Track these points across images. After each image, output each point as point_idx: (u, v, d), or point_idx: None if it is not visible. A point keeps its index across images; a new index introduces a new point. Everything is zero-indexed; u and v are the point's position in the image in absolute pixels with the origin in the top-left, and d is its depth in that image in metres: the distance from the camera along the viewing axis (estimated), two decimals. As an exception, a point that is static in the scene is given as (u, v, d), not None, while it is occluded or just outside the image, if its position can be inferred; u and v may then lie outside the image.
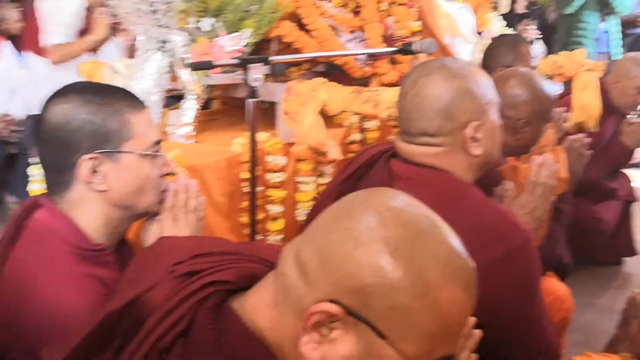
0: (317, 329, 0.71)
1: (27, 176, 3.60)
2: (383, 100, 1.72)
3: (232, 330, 0.77)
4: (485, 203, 1.30)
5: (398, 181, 1.35)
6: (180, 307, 0.80)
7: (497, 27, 3.17)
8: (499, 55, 2.59)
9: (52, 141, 1.11)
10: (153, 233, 1.23)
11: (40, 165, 1.94)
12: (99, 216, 1.15)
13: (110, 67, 2.09)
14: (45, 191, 1.19)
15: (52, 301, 1.03)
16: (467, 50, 2.90)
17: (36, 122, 1.15)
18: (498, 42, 2.73)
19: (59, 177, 1.13)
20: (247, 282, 0.84)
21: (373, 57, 2.19)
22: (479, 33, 3.02)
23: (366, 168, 1.46)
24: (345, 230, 0.71)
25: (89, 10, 3.20)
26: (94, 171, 1.12)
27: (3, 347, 1.04)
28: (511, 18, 5.47)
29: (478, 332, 0.95)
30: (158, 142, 1.20)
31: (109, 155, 1.12)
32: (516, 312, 1.23)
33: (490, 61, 2.61)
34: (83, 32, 3.17)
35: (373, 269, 0.68)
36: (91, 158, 1.11)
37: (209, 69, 1.68)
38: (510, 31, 3.34)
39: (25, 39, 3.56)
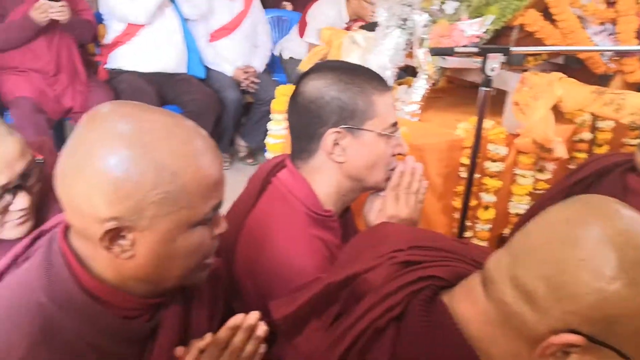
0: (553, 353, 0.73)
1: (259, 124, 3.97)
2: (628, 104, 1.61)
3: (442, 325, 0.82)
4: None
5: (633, 196, 1.27)
6: (398, 293, 0.87)
7: None
8: None
9: (304, 112, 1.24)
10: (375, 207, 1.32)
11: (275, 122, 2.15)
12: (332, 184, 1.27)
13: (350, 37, 2.20)
14: (281, 151, 1.34)
15: (286, 254, 1.17)
16: None
17: (292, 95, 1.29)
18: None
19: (306, 144, 1.25)
20: (458, 281, 0.88)
21: (621, 53, 2.03)
22: None
23: (597, 177, 1.40)
24: (579, 261, 0.70)
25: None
26: (336, 143, 1.23)
27: (245, 292, 1.21)
28: None
29: None
30: (395, 124, 1.27)
31: (351, 131, 1.22)
32: None
33: None
34: None
35: (618, 300, 0.68)
36: (336, 132, 1.21)
37: (449, 55, 1.70)
38: None
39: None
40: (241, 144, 3.99)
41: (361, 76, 1.24)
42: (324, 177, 1.26)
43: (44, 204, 1.28)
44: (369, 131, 1.23)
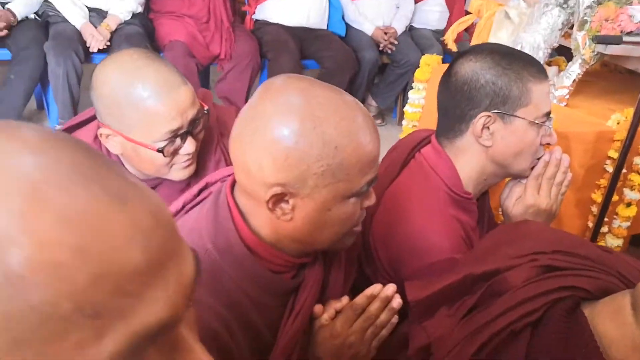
0: None
1: (392, 86, 3.96)
2: None
3: (581, 341, 0.82)
4: None
5: None
6: (537, 299, 0.87)
7: None
8: None
9: (457, 92, 1.24)
10: (514, 194, 1.32)
11: (416, 90, 2.15)
12: (475, 167, 1.27)
13: (504, 11, 2.14)
14: (429, 129, 1.35)
15: (423, 229, 1.20)
16: None
17: (445, 73, 1.29)
18: None
19: (454, 124, 1.26)
20: (602, 295, 0.87)
21: None
22: None
23: None
24: None
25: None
26: (485, 127, 1.22)
27: (378, 260, 1.26)
28: None
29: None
30: (548, 114, 1.24)
31: (502, 116, 1.21)
32: None
33: None
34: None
35: None
36: (487, 115, 1.21)
37: (616, 43, 1.61)
38: None
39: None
40: (372, 104, 4.02)
41: (519, 62, 1.22)
42: (469, 158, 1.27)
43: (203, 151, 1.40)
44: (521, 118, 1.21)
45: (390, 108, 4.14)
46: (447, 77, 1.28)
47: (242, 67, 3.33)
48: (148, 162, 1.28)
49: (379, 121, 4.03)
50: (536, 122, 1.22)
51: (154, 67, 1.21)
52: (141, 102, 1.20)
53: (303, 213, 0.90)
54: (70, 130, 1.41)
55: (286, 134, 0.85)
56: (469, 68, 1.23)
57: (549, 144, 1.29)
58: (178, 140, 1.26)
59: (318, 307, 1.02)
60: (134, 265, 0.37)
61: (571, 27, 1.93)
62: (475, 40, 2.47)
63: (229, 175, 1.08)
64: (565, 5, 1.87)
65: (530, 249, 0.95)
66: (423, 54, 3.75)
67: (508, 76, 1.20)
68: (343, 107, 0.89)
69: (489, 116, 1.21)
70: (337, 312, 1.03)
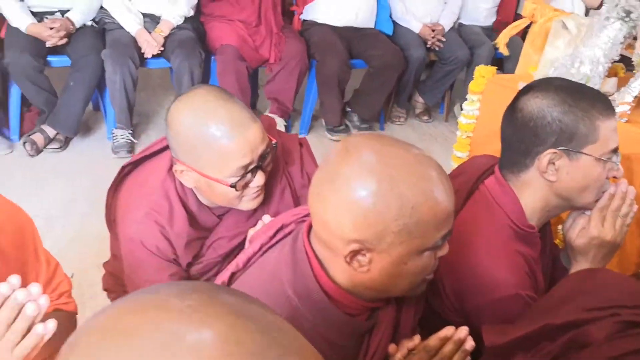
0: None
1: (439, 83, 3.95)
2: None
3: None
4: None
5: None
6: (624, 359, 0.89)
7: None
8: None
9: (523, 127, 1.26)
10: (578, 225, 1.33)
11: (470, 102, 2.16)
12: (539, 200, 1.29)
13: (562, 21, 2.12)
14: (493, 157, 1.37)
15: (488, 265, 1.23)
16: None
17: (510, 107, 1.30)
18: None
19: (519, 158, 1.28)
20: None
21: None
22: None
23: None
24: None
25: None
26: (551, 163, 1.24)
27: (444, 292, 1.29)
28: None
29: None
30: (615, 149, 1.25)
31: (568, 153, 1.22)
32: None
33: None
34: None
35: None
36: (553, 152, 1.22)
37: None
38: None
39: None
40: (418, 101, 4.01)
41: (587, 99, 1.23)
42: (533, 192, 1.29)
43: (269, 179, 1.45)
44: (587, 155, 1.22)
45: (437, 104, 4.12)
46: (512, 111, 1.30)
47: (290, 68, 3.37)
48: (220, 195, 1.34)
49: (425, 117, 4.03)
50: (603, 158, 1.23)
51: (226, 107, 1.27)
52: (215, 141, 1.26)
53: (379, 266, 0.94)
54: (143, 160, 1.48)
55: (364, 196, 0.89)
56: (535, 105, 1.24)
57: (615, 177, 1.29)
58: (249, 175, 1.32)
59: (392, 347, 1.06)
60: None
61: (634, 38, 1.91)
62: (528, 47, 2.46)
63: (303, 217, 1.13)
64: (627, 19, 1.84)
65: (611, 302, 0.96)
66: (472, 51, 3.76)
67: (575, 114, 1.21)
68: (418, 166, 0.92)
69: (555, 152, 1.22)
70: (410, 351, 1.08)
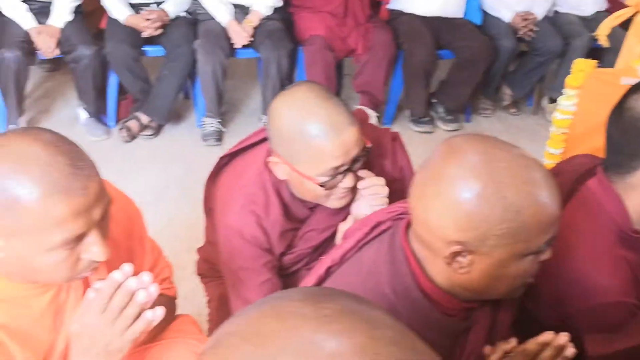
0: None
1: (529, 75, 3.82)
2: None
3: None
4: None
5: None
6: None
7: None
8: None
9: (631, 129, 1.20)
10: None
11: (567, 97, 2.08)
12: (646, 204, 1.23)
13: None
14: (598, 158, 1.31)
15: (591, 269, 1.19)
16: None
17: (617, 107, 1.25)
18: None
19: (627, 161, 1.23)
20: None
21: None
22: None
23: None
24: None
25: None
26: (662, 166, 1.18)
27: (539, 295, 1.26)
28: None
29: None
30: None
31: (681, 156, 1.16)
32: None
33: None
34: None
35: None
36: None
37: None
38: None
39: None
40: (507, 92, 3.89)
41: None
42: (638, 196, 1.23)
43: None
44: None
45: (526, 97, 3.99)
46: (619, 111, 1.24)
47: (379, 59, 3.35)
48: (309, 192, 1.38)
49: (513, 110, 3.91)
50: None
51: (326, 106, 1.29)
52: (311, 139, 1.28)
53: (479, 268, 0.93)
54: (240, 152, 1.53)
55: (469, 198, 0.89)
56: None
57: None
58: (339, 176, 1.34)
59: (488, 348, 1.05)
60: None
61: None
62: (632, 38, 2.34)
63: (399, 215, 1.13)
64: None
65: None
66: (567, 41, 3.60)
67: None
68: (524, 169, 0.91)
69: (667, 156, 1.17)
70: (506, 353, 1.06)
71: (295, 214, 1.49)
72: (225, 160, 1.55)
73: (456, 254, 0.93)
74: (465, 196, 0.89)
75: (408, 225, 1.05)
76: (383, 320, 0.47)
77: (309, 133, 1.28)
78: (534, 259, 0.95)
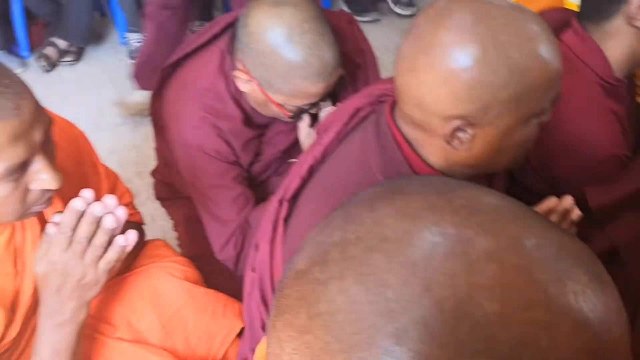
0: None
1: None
2: None
3: None
4: None
5: None
6: None
7: None
8: None
9: None
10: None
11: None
12: (625, 51, 1.18)
13: None
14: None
15: (579, 125, 1.15)
16: None
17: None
18: None
19: (602, 5, 1.15)
20: None
21: None
22: None
23: None
24: None
25: None
26: (641, 7, 1.11)
27: (527, 163, 1.21)
28: None
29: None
30: None
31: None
32: None
33: None
34: None
35: None
36: None
37: None
38: None
39: None
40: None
41: None
42: (618, 43, 1.17)
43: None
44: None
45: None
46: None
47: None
48: (272, 112, 1.30)
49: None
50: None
51: (319, 46, 1.17)
52: (296, 79, 1.19)
53: (482, 141, 0.86)
54: (185, 58, 1.37)
55: (469, 65, 0.79)
56: None
57: None
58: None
59: None
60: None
61: None
62: None
63: (378, 98, 1.03)
64: None
65: None
66: None
67: None
68: (523, 24, 0.81)
69: (648, -6, 1.09)
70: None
71: (257, 121, 1.37)
72: (169, 71, 1.39)
73: (456, 130, 0.84)
74: (464, 64, 0.79)
75: (392, 108, 0.95)
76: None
77: (295, 72, 1.17)
78: (537, 122, 0.88)
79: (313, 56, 1.16)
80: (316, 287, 0.35)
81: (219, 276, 1.41)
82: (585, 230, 1.03)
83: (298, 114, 1.27)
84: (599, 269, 0.36)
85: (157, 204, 1.77)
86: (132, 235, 0.92)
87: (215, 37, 1.33)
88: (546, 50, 0.81)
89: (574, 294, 0.33)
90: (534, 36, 0.80)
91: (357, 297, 0.33)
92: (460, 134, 0.85)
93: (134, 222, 1.24)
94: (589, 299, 0.34)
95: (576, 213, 0.96)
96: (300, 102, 1.23)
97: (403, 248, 0.34)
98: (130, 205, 1.28)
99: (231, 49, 1.29)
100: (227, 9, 3.09)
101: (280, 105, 1.24)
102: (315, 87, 1.20)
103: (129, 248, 0.92)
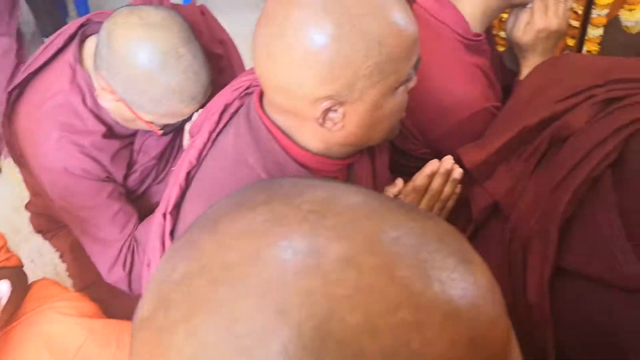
0: None
1: None
2: None
3: None
4: None
5: None
6: (610, 140, 0.84)
7: None
8: None
9: None
10: (522, 20, 1.26)
11: None
12: (478, 5, 1.20)
13: None
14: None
15: (448, 85, 1.16)
16: None
17: None
18: None
19: None
20: None
21: None
22: None
23: None
24: None
25: None
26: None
27: (405, 130, 1.22)
28: None
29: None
30: None
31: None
32: None
33: None
34: None
35: None
36: None
37: None
38: None
39: None
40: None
41: None
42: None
43: None
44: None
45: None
46: None
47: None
48: (139, 127, 1.25)
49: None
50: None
51: (194, 70, 1.12)
52: (172, 102, 1.13)
53: (354, 118, 0.84)
54: (30, 78, 1.25)
55: (325, 43, 0.76)
56: None
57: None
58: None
59: None
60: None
61: None
62: None
63: (246, 90, 0.99)
64: None
65: (583, 85, 0.91)
66: None
67: None
68: None
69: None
70: (396, 196, 1.01)
71: (121, 132, 1.29)
72: (16, 94, 1.27)
73: (327, 111, 0.82)
74: (320, 42, 0.76)
75: (261, 98, 0.91)
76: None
77: (171, 97, 1.11)
78: (404, 90, 0.87)
79: (188, 80, 1.11)
80: (163, 337, 0.31)
81: (118, 300, 1.33)
82: (470, 189, 1.05)
83: (169, 130, 1.21)
84: (465, 247, 0.34)
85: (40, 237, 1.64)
86: (3, 287, 0.83)
87: (60, 51, 1.23)
88: (400, 16, 0.80)
89: (440, 284, 0.31)
90: (386, 5, 0.79)
91: (206, 340, 0.29)
92: (331, 115, 0.83)
93: (10, 268, 1.13)
94: (457, 284, 0.31)
95: (458, 171, 0.97)
96: (173, 121, 1.18)
97: (250, 273, 0.31)
98: (3, 249, 1.16)
99: (80, 59, 1.20)
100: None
101: (150, 123, 1.17)
102: (189, 108, 1.15)
103: (4, 300, 0.84)
